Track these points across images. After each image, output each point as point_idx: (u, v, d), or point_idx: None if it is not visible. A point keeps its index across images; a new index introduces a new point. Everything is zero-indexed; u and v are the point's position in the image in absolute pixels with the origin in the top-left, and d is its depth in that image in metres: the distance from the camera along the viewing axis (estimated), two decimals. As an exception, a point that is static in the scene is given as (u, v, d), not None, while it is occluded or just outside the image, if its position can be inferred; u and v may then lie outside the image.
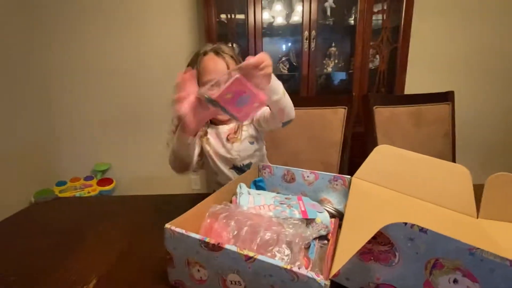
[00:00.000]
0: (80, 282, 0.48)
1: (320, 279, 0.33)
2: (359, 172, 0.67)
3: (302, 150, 1.16)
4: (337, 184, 0.70)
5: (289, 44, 1.93)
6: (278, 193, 0.73)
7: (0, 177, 1.59)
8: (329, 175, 0.71)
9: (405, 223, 0.28)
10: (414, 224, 0.28)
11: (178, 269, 0.45)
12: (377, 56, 1.78)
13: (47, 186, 1.83)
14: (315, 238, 0.55)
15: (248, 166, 0.91)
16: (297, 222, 0.51)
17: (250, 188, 0.71)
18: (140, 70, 1.93)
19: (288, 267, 0.35)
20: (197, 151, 0.80)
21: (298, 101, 1.20)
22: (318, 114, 1.15)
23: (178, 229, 0.42)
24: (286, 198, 0.66)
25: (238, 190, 0.64)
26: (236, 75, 0.48)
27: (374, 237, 0.30)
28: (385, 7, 1.69)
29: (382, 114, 1.08)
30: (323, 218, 0.57)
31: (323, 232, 0.55)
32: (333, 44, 1.88)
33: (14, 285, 0.49)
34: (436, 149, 1.17)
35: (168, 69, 1.93)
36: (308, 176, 0.73)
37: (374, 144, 1.06)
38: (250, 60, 0.54)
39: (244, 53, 1.69)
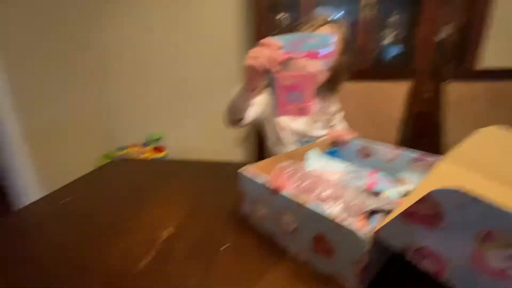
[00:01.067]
0: (160, 227, 0.56)
1: (361, 231, 0.35)
2: (451, 155, 0.58)
3: (357, 124, 1.05)
4: (419, 166, 0.64)
5: (344, 13, 1.68)
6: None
7: (70, 142, 2.04)
8: (412, 154, 0.65)
9: (458, 190, 0.27)
10: (468, 192, 0.26)
11: (246, 205, 0.55)
12: (446, 27, 1.35)
13: (110, 151, 2.14)
14: (379, 211, 0.54)
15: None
16: (360, 190, 0.51)
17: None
18: (191, 45, 1.95)
19: (331, 217, 0.38)
20: (254, 112, 0.83)
21: (356, 74, 1.08)
22: (377, 88, 1.05)
23: (249, 173, 0.52)
24: (357, 170, 0.65)
25: (306, 156, 0.68)
26: (310, 72, 0.46)
27: (420, 201, 0.29)
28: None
29: (454, 90, 0.88)
30: (392, 193, 0.55)
31: (385, 207, 0.54)
32: (395, 13, 1.52)
33: (106, 227, 0.58)
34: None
35: (218, 42, 1.90)
36: (388, 153, 0.69)
37: (441, 123, 0.87)
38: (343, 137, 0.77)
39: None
